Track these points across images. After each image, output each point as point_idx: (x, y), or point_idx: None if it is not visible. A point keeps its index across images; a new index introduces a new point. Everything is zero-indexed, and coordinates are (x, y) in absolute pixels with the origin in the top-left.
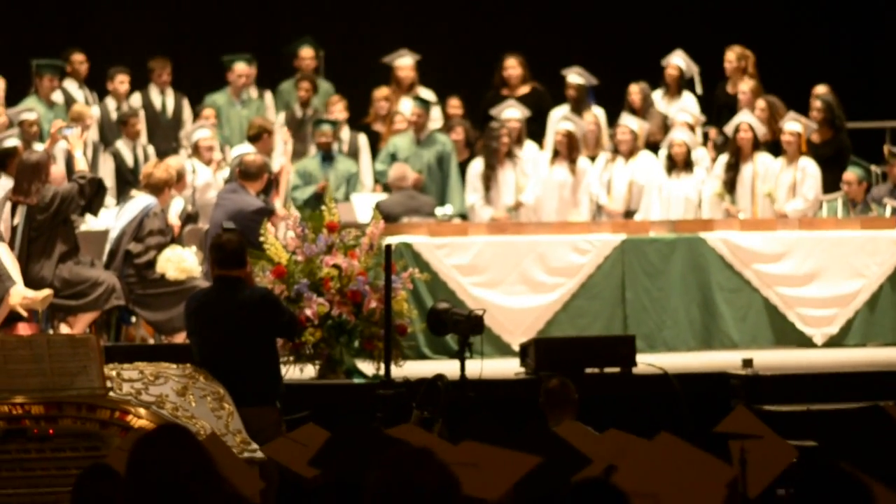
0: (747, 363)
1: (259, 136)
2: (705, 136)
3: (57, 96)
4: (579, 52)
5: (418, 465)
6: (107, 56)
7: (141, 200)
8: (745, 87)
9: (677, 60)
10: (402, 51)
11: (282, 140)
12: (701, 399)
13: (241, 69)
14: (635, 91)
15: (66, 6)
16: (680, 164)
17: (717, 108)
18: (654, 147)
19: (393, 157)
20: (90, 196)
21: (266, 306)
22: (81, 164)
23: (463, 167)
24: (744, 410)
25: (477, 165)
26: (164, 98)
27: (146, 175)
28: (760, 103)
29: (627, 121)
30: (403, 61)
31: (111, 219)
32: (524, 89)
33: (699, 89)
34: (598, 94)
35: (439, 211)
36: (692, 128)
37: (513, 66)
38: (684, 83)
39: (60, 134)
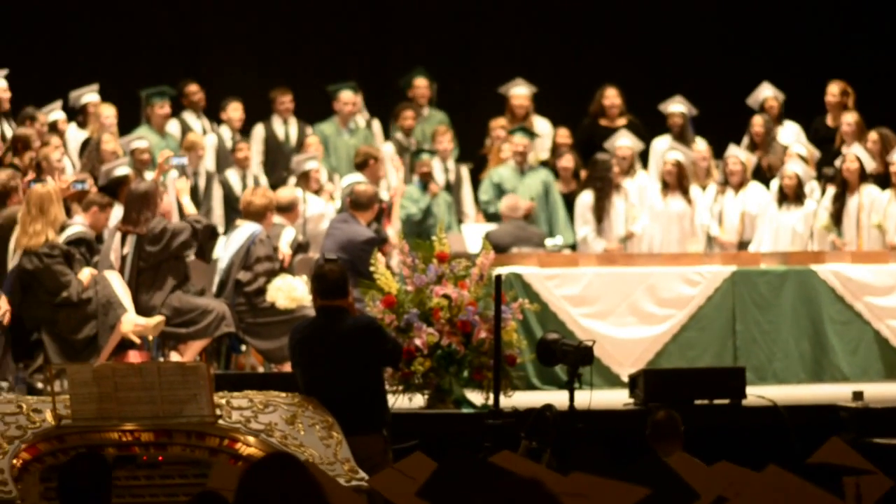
0: (857, 396)
1: (366, 163)
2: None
3: (172, 126)
4: (674, 84)
5: (527, 496)
6: (219, 86)
7: (246, 229)
8: (849, 119)
9: (768, 92)
10: (518, 80)
11: (393, 168)
12: (810, 432)
13: (347, 97)
14: (759, 123)
15: (178, 36)
16: (791, 195)
17: (817, 140)
18: (767, 178)
19: (497, 188)
20: (203, 241)
21: (369, 335)
22: (190, 209)
23: (568, 197)
24: (838, 441)
25: (586, 197)
26: (286, 127)
27: (245, 203)
28: (873, 135)
29: (737, 151)
30: (518, 91)
31: (219, 249)
32: (622, 121)
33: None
34: (698, 124)
35: (549, 242)
36: (806, 160)
37: (613, 96)
38: (784, 113)
39: (168, 164)
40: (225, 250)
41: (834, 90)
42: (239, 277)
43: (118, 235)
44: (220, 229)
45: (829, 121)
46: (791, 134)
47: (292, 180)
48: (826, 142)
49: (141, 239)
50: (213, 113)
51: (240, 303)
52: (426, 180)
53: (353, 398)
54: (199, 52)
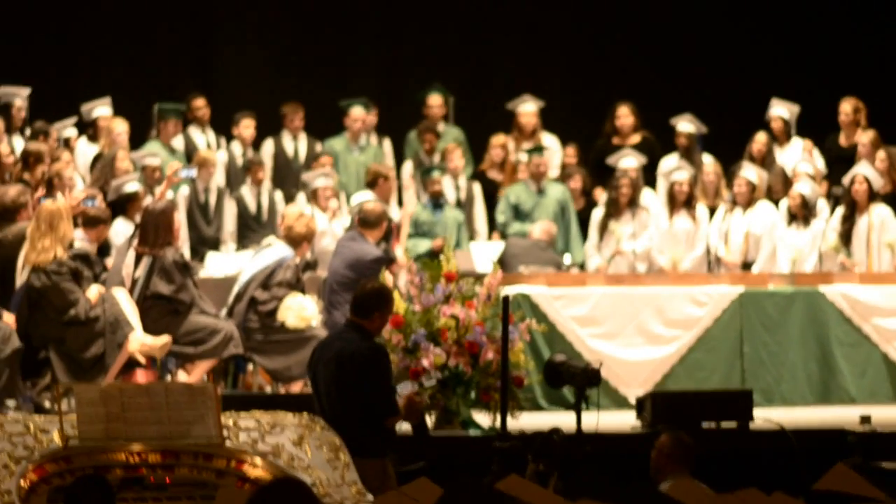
0: (865, 419)
1: (375, 181)
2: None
3: (178, 141)
4: (686, 101)
5: None
6: (232, 101)
7: (278, 250)
8: (864, 138)
9: (779, 111)
10: (526, 96)
11: (404, 186)
12: (818, 455)
13: (358, 114)
14: (760, 141)
15: (191, 51)
16: (799, 215)
17: (831, 159)
18: (774, 198)
19: (515, 209)
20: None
21: (366, 365)
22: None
23: (580, 215)
24: (843, 468)
25: (597, 214)
26: (296, 143)
27: (287, 227)
28: (881, 154)
29: (746, 171)
30: (526, 107)
31: (233, 265)
32: (635, 138)
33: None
34: (707, 142)
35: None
36: (814, 178)
37: (625, 115)
38: (790, 131)
39: (177, 176)
40: (251, 263)
41: (846, 108)
42: (256, 295)
43: (132, 254)
44: (232, 246)
45: (843, 139)
46: (797, 152)
47: (301, 196)
48: (839, 160)
49: (155, 262)
50: (225, 128)
51: (251, 320)
52: (437, 198)
53: (356, 419)
54: (211, 66)
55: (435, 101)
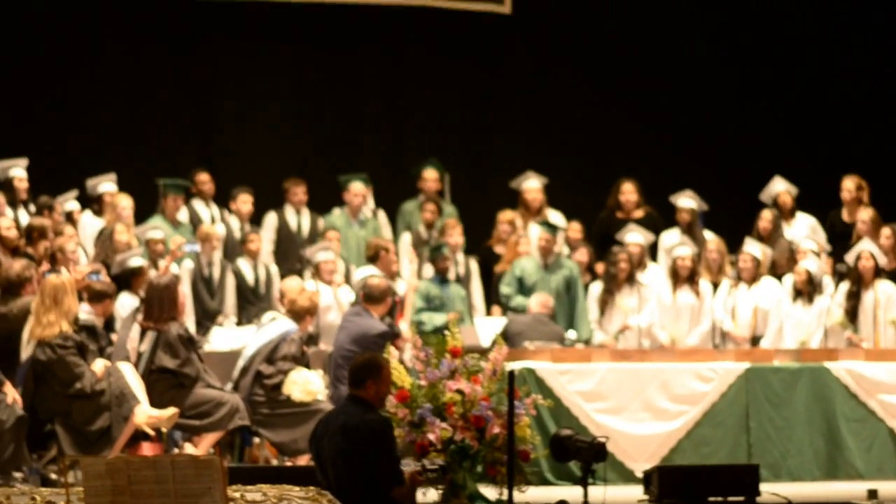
0: (872, 494)
1: (377, 255)
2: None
3: (182, 215)
4: (687, 179)
5: None
6: (234, 175)
7: (281, 325)
8: (864, 215)
9: (781, 186)
10: (529, 174)
11: (407, 260)
12: None
13: (358, 189)
14: (767, 218)
15: (193, 126)
16: (804, 292)
17: (834, 236)
18: (778, 274)
19: (520, 281)
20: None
21: (372, 439)
22: None
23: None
24: None
25: (596, 289)
26: (299, 218)
27: (290, 301)
28: (886, 231)
29: (750, 247)
30: (531, 184)
31: (238, 339)
32: (638, 213)
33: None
34: (708, 219)
35: (565, 336)
36: (818, 254)
37: (629, 192)
38: (796, 207)
39: (181, 251)
40: (255, 338)
41: (849, 185)
42: (261, 369)
43: (136, 329)
44: (233, 319)
45: (845, 215)
46: (804, 227)
47: (307, 272)
48: (842, 237)
49: (160, 337)
50: (224, 201)
51: (257, 393)
52: (443, 274)
53: (358, 491)
54: (212, 140)
55: (430, 174)
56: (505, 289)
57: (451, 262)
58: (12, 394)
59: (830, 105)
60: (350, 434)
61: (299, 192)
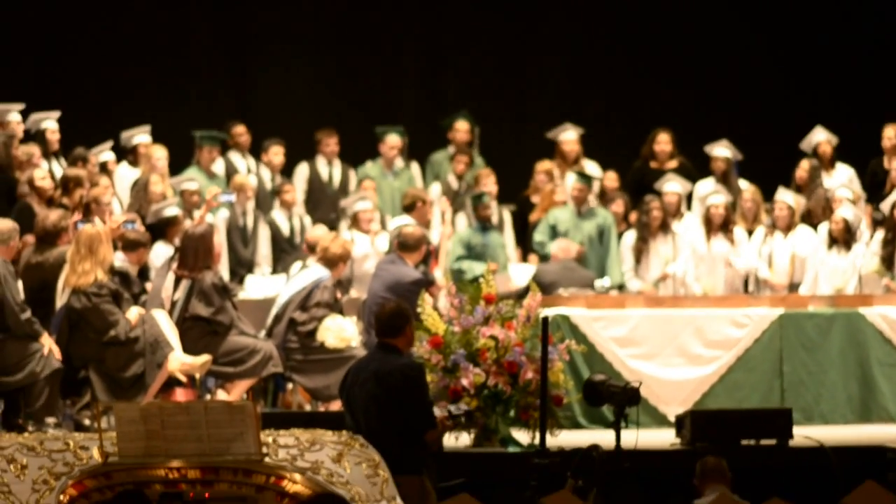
0: None
1: (413, 205)
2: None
3: (218, 167)
4: (723, 129)
5: None
6: (268, 127)
7: (314, 272)
8: None
9: (821, 136)
10: (566, 125)
11: (440, 210)
12: (857, 473)
13: (394, 141)
14: (804, 167)
15: (229, 77)
16: (840, 240)
17: (875, 184)
18: (813, 223)
19: (553, 229)
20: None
21: (406, 382)
22: None
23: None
24: (873, 484)
25: (629, 238)
26: (330, 169)
27: (322, 249)
28: None
29: (785, 196)
30: (568, 135)
31: (271, 287)
32: (672, 164)
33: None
34: (748, 167)
35: (598, 283)
36: (854, 203)
37: (665, 142)
38: (836, 156)
39: (216, 201)
40: (287, 286)
41: (890, 133)
42: (294, 316)
43: (171, 277)
44: (268, 269)
45: (886, 163)
46: (843, 178)
47: (343, 223)
48: (883, 185)
49: (194, 285)
50: (257, 153)
51: (291, 340)
52: (485, 222)
53: (384, 436)
54: (247, 92)
55: (462, 126)
56: (538, 236)
57: (491, 210)
58: (49, 344)
59: (870, 53)
60: (383, 380)
61: (331, 142)
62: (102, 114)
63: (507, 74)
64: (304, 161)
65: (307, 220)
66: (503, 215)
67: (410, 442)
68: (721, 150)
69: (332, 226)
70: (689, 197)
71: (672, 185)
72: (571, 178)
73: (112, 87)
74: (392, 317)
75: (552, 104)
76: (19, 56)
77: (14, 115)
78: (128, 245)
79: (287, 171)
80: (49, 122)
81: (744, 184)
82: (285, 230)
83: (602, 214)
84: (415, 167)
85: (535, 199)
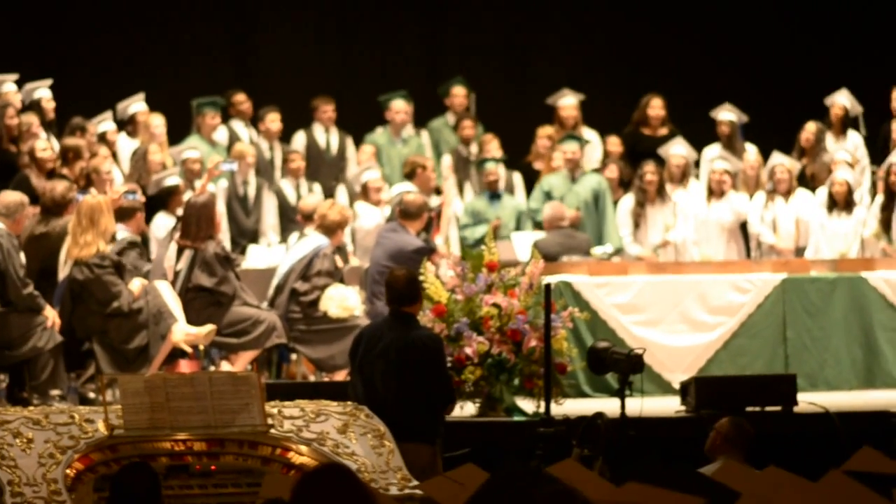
0: None
1: (414, 172)
2: (873, 174)
3: (220, 135)
4: (727, 93)
5: None
6: (270, 95)
7: (313, 240)
8: None
9: (842, 100)
10: (565, 91)
11: (443, 176)
12: (862, 438)
13: (399, 106)
14: (810, 130)
15: (228, 45)
16: (841, 203)
17: (883, 148)
18: (812, 186)
19: (547, 195)
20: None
21: (426, 354)
22: None
23: (617, 205)
24: (870, 450)
25: (627, 203)
26: (328, 136)
27: (320, 216)
28: None
29: (781, 159)
30: (567, 101)
31: (274, 256)
32: (663, 130)
33: (863, 130)
34: (753, 131)
35: (597, 249)
36: (852, 166)
37: (658, 107)
38: (849, 122)
39: (218, 169)
40: (287, 256)
41: None
42: (296, 286)
43: (174, 247)
44: (276, 237)
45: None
46: (850, 145)
47: (340, 189)
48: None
49: (197, 256)
50: (254, 121)
51: (293, 311)
52: (493, 188)
53: (403, 405)
54: (247, 60)
55: (459, 91)
56: (533, 203)
57: (495, 175)
58: (52, 316)
59: (877, 16)
60: (404, 351)
61: (328, 109)
62: (99, 82)
63: (507, 40)
64: (301, 130)
65: (316, 187)
66: (514, 181)
67: (429, 412)
68: (725, 114)
69: (330, 193)
70: (698, 164)
71: (678, 149)
72: (565, 143)
73: (109, 55)
74: (408, 284)
75: (552, 70)
76: (15, 25)
77: (9, 84)
78: (122, 214)
79: (285, 139)
80: (43, 91)
81: (750, 148)
82: (292, 199)
83: (596, 179)
84: (425, 135)
85: (537, 165)
